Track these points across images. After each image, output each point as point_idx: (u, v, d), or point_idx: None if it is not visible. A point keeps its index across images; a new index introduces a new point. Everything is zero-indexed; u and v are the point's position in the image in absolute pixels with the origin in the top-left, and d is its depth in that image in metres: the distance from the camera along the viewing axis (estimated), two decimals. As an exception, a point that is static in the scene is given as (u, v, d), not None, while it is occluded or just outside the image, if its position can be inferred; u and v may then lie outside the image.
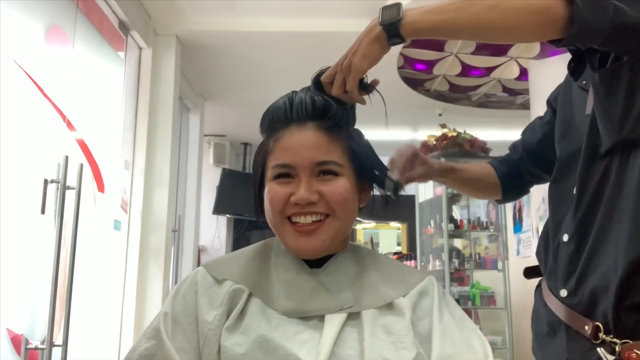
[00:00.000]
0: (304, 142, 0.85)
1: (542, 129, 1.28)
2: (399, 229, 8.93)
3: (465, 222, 4.84)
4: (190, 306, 0.84)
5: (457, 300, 4.47)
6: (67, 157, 2.12)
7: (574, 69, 1.12)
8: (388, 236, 9.27)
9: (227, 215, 5.90)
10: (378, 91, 0.95)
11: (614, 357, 0.89)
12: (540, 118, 1.33)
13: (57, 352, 2.04)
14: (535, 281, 1.21)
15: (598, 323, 0.92)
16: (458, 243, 5.19)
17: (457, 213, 5.28)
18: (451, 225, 4.69)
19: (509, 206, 4.74)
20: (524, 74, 4.29)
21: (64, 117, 2.29)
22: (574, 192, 1.01)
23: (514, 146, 1.38)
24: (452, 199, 4.86)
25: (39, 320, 2.05)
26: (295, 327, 0.80)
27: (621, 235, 0.91)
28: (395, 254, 6.51)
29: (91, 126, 2.59)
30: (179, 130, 3.89)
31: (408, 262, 5.23)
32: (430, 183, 4.92)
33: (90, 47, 2.59)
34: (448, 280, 4.55)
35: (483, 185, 1.36)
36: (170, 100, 3.45)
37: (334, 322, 0.80)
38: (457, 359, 0.80)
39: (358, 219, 0.96)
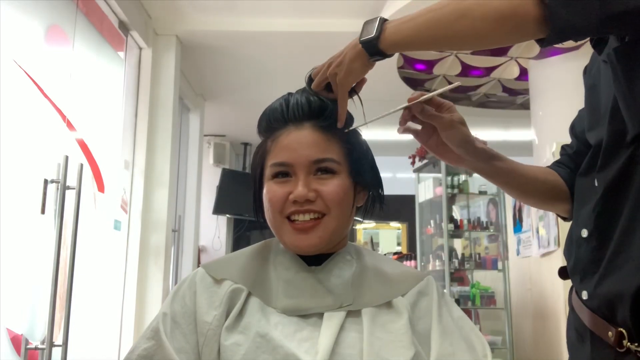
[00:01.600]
0: (301, 140, 0.86)
1: None
2: (399, 229, 8.94)
3: (465, 222, 4.84)
4: (189, 307, 0.84)
5: (457, 301, 4.47)
6: (67, 157, 2.12)
7: (597, 40, 0.94)
8: (388, 236, 9.27)
9: (227, 215, 5.90)
10: (359, 96, 0.95)
11: None
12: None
13: (57, 352, 2.04)
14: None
15: (622, 329, 0.83)
16: (458, 243, 5.19)
17: (457, 213, 5.28)
18: (451, 225, 4.69)
19: (509, 206, 4.74)
20: (524, 74, 4.29)
21: (64, 117, 2.29)
22: (596, 183, 0.91)
23: (564, 147, 1.15)
24: (452, 199, 4.86)
25: (39, 320, 2.05)
26: (295, 326, 0.80)
27: None
28: (395, 254, 6.51)
29: (91, 126, 2.59)
30: (179, 130, 3.89)
31: (408, 262, 5.24)
32: (431, 183, 4.92)
33: (90, 47, 2.60)
34: (448, 280, 4.55)
35: (544, 188, 1.08)
36: (170, 100, 3.45)
37: (332, 320, 0.80)
38: (457, 358, 0.80)
39: (358, 219, 0.96)
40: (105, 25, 2.85)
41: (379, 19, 0.87)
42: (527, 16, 0.79)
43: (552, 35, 0.80)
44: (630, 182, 0.84)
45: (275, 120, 0.89)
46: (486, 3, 0.81)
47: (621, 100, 0.85)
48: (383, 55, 0.87)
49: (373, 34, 0.85)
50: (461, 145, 0.96)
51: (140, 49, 3.40)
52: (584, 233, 0.92)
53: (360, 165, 0.89)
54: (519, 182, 1.07)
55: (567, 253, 0.98)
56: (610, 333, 0.85)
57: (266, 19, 3.52)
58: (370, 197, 0.93)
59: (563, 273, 1.03)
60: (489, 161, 1.03)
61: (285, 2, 3.37)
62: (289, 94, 0.92)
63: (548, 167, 1.12)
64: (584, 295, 0.91)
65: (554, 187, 1.07)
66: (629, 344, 0.82)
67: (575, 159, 1.09)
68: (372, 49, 0.86)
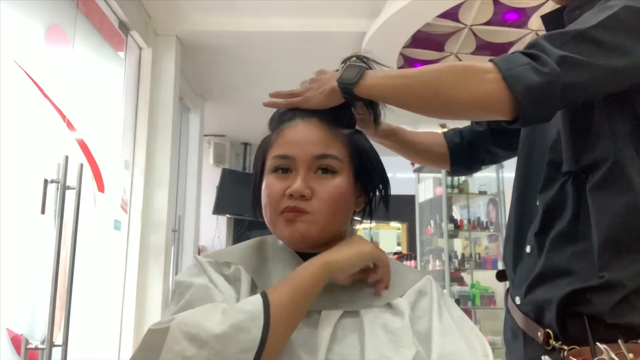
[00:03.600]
0: (305, 135, 0.86)
1: None
2: (399, 229, 8.94)
3: (465, 222, 4.84)
4: (203, 280, 0.82)
5: (457, 301, 4.47)
6: (67, 157, 2.12)
7: None
8: (388, 236, 9.26)
9: (227, 215, 5.90)
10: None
11: None
12: None
13: (57, 352, 2.04)
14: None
15: (548, 330, 0.97)
16: (458, 243, 5.19)
17: (457, 213, 5.29)
18: (451, 225, 4.69)
19: (509, 206, 4.75)
20: (524, 74, 4.28)
21: (64, 117, 2.29)
22: (537, 204, 1.04)
23: (478, 121, 1.32)
24: (452, 199, 4.86)
25: (39, 320, 2.05)
26: None
27: (574, 261, 0.95)
28: (395, 254, 6.51)
29: (91, 126, 2.59)
30: (179, 130, 3.89)
31: (408, 262, 5.23)
32: (431, 183, 4.92)
33: (90, 47, 2.60)
34: (448, 280, 4.55)
35: (429, 153, 1.31)
36: (170, 100, 3.45)
37: (331, 319, 0.81)
38: (457, 358, 0.80)
39: (358, 219, 0.96)
40: (105, 25, 2.85)
41: (361, 68, 0.92)
42: (499, 110, 0.88)
43: (520, 124, 0.89)
44: (561, 207, 0.98)
45: (285, 112, 0.91)
46: (462, 88, 0.88)
47: (563, 138, 0.98)
48: (355, 98, 0.92)
49: (352, 78, 0.90)
50: (362, 128, 1.04)
51: (140, 49, 3.40)
52: (528, 249, 1.06)
53: (363, 166, 0.89)
54: (411, 148, 1.28)
55: (511, 264, 1.13)
56: (539, 333, 0.99)
57: (266, 19, 3.52)
58: (376, 197, 0.93)
59: (501, 276, 1.22)
60: (389, 137, 1.23)
61: (285, 2, 3.37)
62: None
63: (450, 130, 1.33)
64: (517, 300, 1.06)
65: (440, 151, 1.31)
66: (554, 342, 0.96)
67: (473, 137, 1.30)
68: (347, 91, 0.90)
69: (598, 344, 0.89)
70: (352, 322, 0.81)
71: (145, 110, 3.33)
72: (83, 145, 2.48)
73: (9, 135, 1.89)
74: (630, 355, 0.87)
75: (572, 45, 0.87)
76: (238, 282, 0.83)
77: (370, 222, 0.95)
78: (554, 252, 0.98)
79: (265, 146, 0.91)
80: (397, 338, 0.79)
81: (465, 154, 1.31)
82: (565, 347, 0.93)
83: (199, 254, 5.20)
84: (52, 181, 2.08)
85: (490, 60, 0.89)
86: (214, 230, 5.81)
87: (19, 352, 1.92)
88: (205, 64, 4.12)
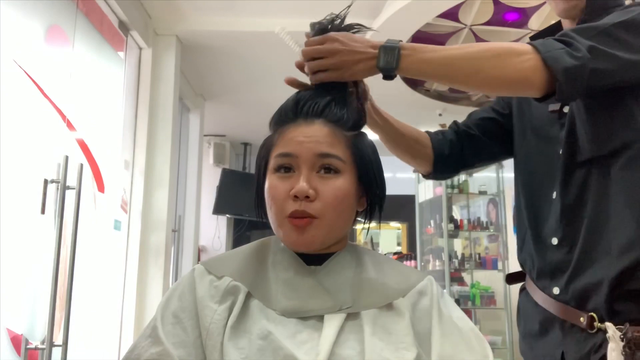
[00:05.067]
0: (308, 134, 0.86)
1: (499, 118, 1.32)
2: (399, 229, 8.93)
3: (465, 222, 4.85)
4: (189, 301, 0.84)
5: (457, 301, 4.47)
6: (67, 157, 2.12)
7: None
8: (388, 236, 9.26)
9: (227, 215, 5.90)
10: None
11: (620, 335, 0.98)
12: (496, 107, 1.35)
13: (57, 352, 2.04)
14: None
15: (592, 314, 1.03)
16: (458, 243, 5.19)
17: (457, 213, 5.29)
18: (451, 225, 4.69)
19: (509, 206, 4.74)
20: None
21: (64, 117, 2.29)
22: (554, 197, 1.11)
23: (456, 122, 1.35)
24: (452, 199, 4.86)
25: (39, 320, 2.05)
26: (294, 327, 0.80)
27: (614, 239, 1.02)
28: (395, 254, 6.51)
29: (91, 126, 2.59)
30: (179, 130, 3.89)
31: (408, 262, 5.23)
32: (430, 183, 4.92)
33: (90, 47, 2.60)
34: (448, 280, 4.55)
35: (414, 149, 1.28)
36: (170, 100, 3.45)
37: (333, 322, 0.80)
38: (457, 358, 0.80)
39: (358, 219, 0.96)
40: (105, 25, 2.85)
41: (395, 48, 0.94)
42: (536, 86, 0.97)
43: (555, 99, 0.98)
44: (585, 196, 1.06)
45: (286, 113, 0.89)
46: (502, 67, 0.96)
47: (581, 127, 1.06)
48: (392, 78, 0.96)
49: (392, 63, 0.93)
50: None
51: (140, 49, 3.40)
52: (554, 241, 1.10)
53: (366, 168, 0.89)
54: (398, 139, 1.26)
55: (534, 259, 1.16)
56: (582, 319, 1.04)
57: (266, 19, 3.52)
58: (371, 200, 0.92)
59: (511, 279, 1.27)
60: (380, 125, 1.20)
61: (285, 2, 3.37)
62: (304, 90, 0.93)
63: (429, 132, 1.33)
64: (555, 290, 1.10)
65: (422, 147, 1.29)
66: (599, 324, 1.02)
67: (456, 137, 1.31)
68: (388, 76, 0.95)
69: None
70: (352, 323, 0.81)
71: (145, 110, 3.33)
72: (83, 145, 2.48)
73: (9, 135, 1.89)
74: None
75: (599, 38, 0.98)
76: (233, 295, 0.83)
77: (370, 223, 0.95)
78: (590, 237, 1.05)
79: (267, 145, 0.90)
80: (398, 340, 0.79)
81: (451, 157, 1.31)
82: (612, 326, 0.99)
83: (199, 254, 5.19)
84: (52, 181, 2.08)
85: (528, 43, 0.98)
86: (214, 230, 5.81)
87: (19, 352, 1.92)
88: (205, 64, 4.12)
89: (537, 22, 3.40)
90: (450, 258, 4.61)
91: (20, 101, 1.99)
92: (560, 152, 1.10)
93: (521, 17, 3.38)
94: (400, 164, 1.42)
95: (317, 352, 0.77)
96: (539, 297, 1.15)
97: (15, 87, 1.95)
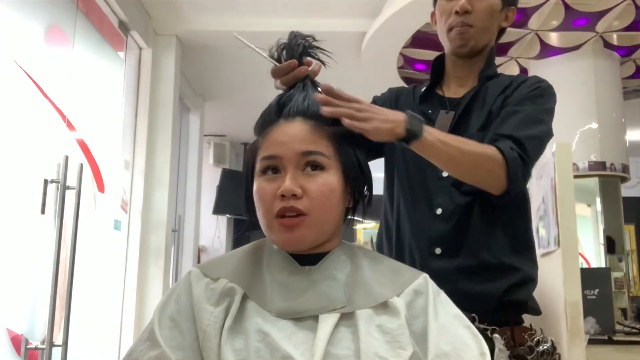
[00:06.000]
0: (290, 133, 0.87)
1: None
2: (399, 229, 8.91)
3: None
4: (185, 304, 0.84)
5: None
6: (67, 157, 2.12)
7: (424, 96, 1.33)
8: (388, 236, 9.24)
9: (227, 215, 5.90)
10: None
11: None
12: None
13: (57, 352, 2.04)
14: None
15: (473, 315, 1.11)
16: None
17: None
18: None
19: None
20: (524, 73, 4.28)
21: (64, 117, 2.29)
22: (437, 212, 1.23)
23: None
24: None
25: (39, 320, 2.05)
26: (290, 328, 0.80)
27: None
28: (395, 254, 6.49)
29: (91, 126, 2.59)
30: (179, 130, 3.89)
31: (408, 262, 5.22)
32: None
33: (90, 47, 2.59)
34: (448, 280, 4.54)
35: None
36: (170, 100, 3.45)
37: (327, 322, 0.80)
38: (454, 357, 0.80)
39: (358, 218, 0.96)
40: (105, 25, 2.85)
41: (421, 122, 1.04)
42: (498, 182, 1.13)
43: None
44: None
45: (269, 116, 0.91)
46: (478, 160, 1.11)
47: None
48: (407, 142, 1.04)
49: (419, 132, 1.03)
50: None
51: (140, 49, 3.40)
52: (438, 251, 1.22)
53: (350, 161, 0.90)
54: None
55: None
56: None
57: (266, 19, 3.52)
58: (357, 195, 0.92)
59: None
60: None
61: (285, 2, 3.37)
62: (284, 92, 0.95)
63: None
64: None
65: None
66: (477, 324, 1.12)
67: None
68: (409, 139, 1.03)
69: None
70: (347, 323, 0.81)
71: (145, 110, 3.33)
72: (83, 145, 2.48)
73: (9, 135, 1.89)
74: None
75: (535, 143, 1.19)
76: (229, 297, 0.84)
77: (356, 217, 0.95)
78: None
79: (253, 150, 0.92)
80: (393, 339, 0.79)
81: None
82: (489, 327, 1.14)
83: (199, 254, 5.18)
84: (52, 181, 2.08)
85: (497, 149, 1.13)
86: (214, 230, 5.81)
87: (19, 352, 1.92)
88: (205, 64, 4.11)
89: (537, 22, 3.40)
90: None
91: (20, 101, 1.98)
92: (444, 175, 1.21)
93: (521, 17, 3.38)
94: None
95: (313, 352, 0.77)
96: None
97: (15, 87, 1.95)
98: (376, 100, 1.36)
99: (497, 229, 1.19)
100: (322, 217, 0.85)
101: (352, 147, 0.91)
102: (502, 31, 1.34)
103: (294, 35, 0.98)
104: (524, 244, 1.24)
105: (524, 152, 1.13)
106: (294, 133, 0.87)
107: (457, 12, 1.23)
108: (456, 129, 1.21)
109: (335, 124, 0.91)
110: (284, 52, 0.98)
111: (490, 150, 1.11)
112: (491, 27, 1.27)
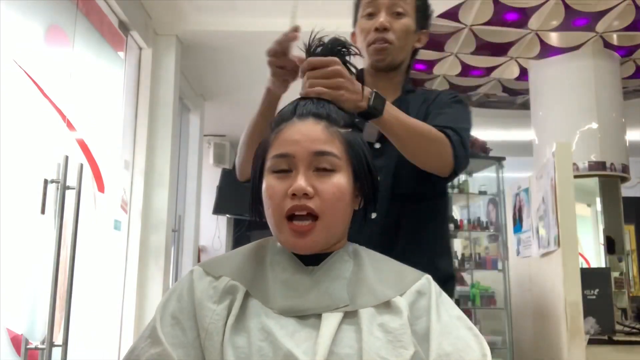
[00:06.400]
0: (303, 132, 0.87)
1: None
2: (399, 229, 8.92)
3: (465, 222, 4.84)
4: (187, 302, 0.84)
5: (457, 301, 4.47)
6: (67, 157, 2.12)
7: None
8: (388, 236, 9.25)
9: (227, 215, 5.90)
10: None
11: None
12: None
13: (57, 352, 2.04)
14: None
15: None
16: (458, 243, 5.19)
17: (457, 213, 5.28)
18: (451, 225, 4.69)
19: (509, 206, 4.73)
20: (524, 74, 4.28)
21: (64, 117, 2.29)
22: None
23: None
24: (452, 199, 4.85)
25: (39, 320, 2.05)
26: (292, 326, 0.80)
27: None
28: (395, 254, 6.50)
29: (91, 126, 2.59)
30: (179, 130, 3.88)
31: (408, 262, 5.22)
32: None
33: (90, 47, 2.59)
34: (448, 280, 4.54)
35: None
36: (170, 100, 3.44)
37: (330, 321, 0.80)
38: (456, 357, 0.80)
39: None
40: (105, 25, 2.85)
41: (383, 102, 1.09)
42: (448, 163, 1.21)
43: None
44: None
45: (284, 116, 0.91)
46: (432, 140, 1.18)
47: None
48: (367, 118, 1.09)
49: (380, 110, 1.08)
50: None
51: (140, 49, 3.40)
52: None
53: (360, 163, 0.90)
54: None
55: None
56: None
57: (266, 19, 3.51)
58: (365, 196, 0.92)
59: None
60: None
61: (285, 2, 3.36)
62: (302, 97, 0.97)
63: None
64: None
65: None
66: None
67: None
68: (368, 113, 1.07)
69: None
70: (350, 322, 0.81)
71: (145, 110, 3.33)
72: (83, 145, 2.48)
73: (9, 135, 1.89)
74: None
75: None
76: (231, 294, 0.84)
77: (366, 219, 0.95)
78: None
79: (264, 146, 0.91)
80: (395, 338, 0.79)
81: None
82: None
83: (199, 254, 5.18)
84: (52, 181, 2.08)
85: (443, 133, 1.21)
86: (214, 230, 5.81)
87: (19, 352, 1.92)
88: (205, 64, 4.12)
89: (537, 22, 3.40)
90: (450, 258, 4.60)
91: (20, 101, 1.98)
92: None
93: (521, 17, 3.38)
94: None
95: (315, 351, 0.77)
96: None
97: (15, 87, 1.95)
98: None
99: (424, 232, 1.29)
100: (333, 219, 0.85)
101: (362, 149, 0.91)
102: (415, 52, 1.44)
103: (335, 39, 1.03)
104: (446, 244, 1.37)
105: (462, 139, 1.23)
106: (306, 132, 0.87)
107: (377, 29, 1.33)
108: (384, 136, 1.24)
109: (347, 126, 0.91)
110: (319, 49, 1.03)
111: (439, 134, 1.19)
112: (406, 45, 1.37)
